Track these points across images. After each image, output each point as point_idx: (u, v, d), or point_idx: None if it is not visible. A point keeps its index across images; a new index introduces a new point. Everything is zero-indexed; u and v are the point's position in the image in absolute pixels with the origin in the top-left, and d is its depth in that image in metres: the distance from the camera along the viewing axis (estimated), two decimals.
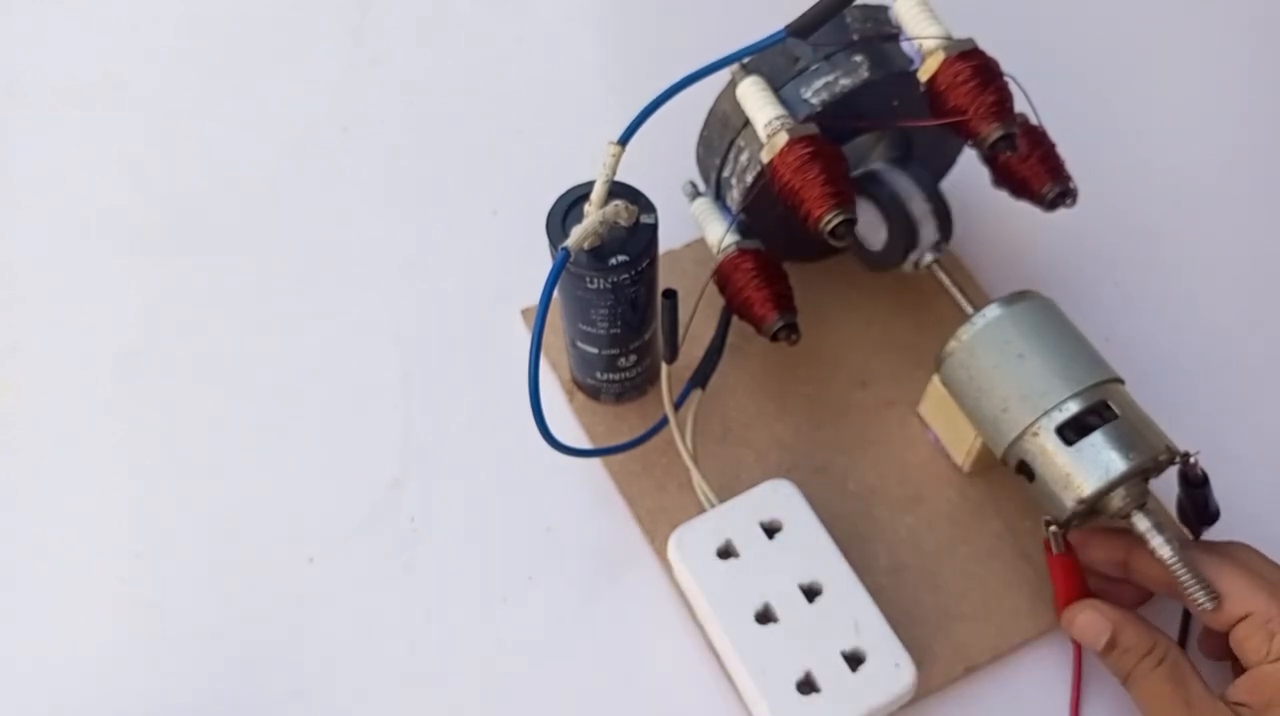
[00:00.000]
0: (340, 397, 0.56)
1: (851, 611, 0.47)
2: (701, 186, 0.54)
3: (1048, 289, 0.50)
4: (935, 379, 0.51)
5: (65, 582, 0.51)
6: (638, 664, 0.49)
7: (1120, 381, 0.48)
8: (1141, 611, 0.50)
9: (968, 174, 0.56)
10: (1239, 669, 0.44)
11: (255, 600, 0.50)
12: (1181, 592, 0.45)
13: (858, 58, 0.48)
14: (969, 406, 0.49)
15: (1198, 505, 0.48)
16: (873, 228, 0.53)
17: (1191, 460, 0.47)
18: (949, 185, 0.57)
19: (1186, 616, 0.50)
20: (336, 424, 0.55)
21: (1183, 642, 0.49)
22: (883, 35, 0.49)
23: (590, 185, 0.45)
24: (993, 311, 0.48)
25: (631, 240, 0.46)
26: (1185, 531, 0.50)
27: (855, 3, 0.46)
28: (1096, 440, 0.45)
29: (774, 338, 0.50)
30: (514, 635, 0.50)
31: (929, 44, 0.45)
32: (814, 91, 0.48)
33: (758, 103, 0.48)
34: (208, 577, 0.51)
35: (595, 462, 0.53)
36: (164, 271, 0.60)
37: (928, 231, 0.52)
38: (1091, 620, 0.46)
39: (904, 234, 0.52)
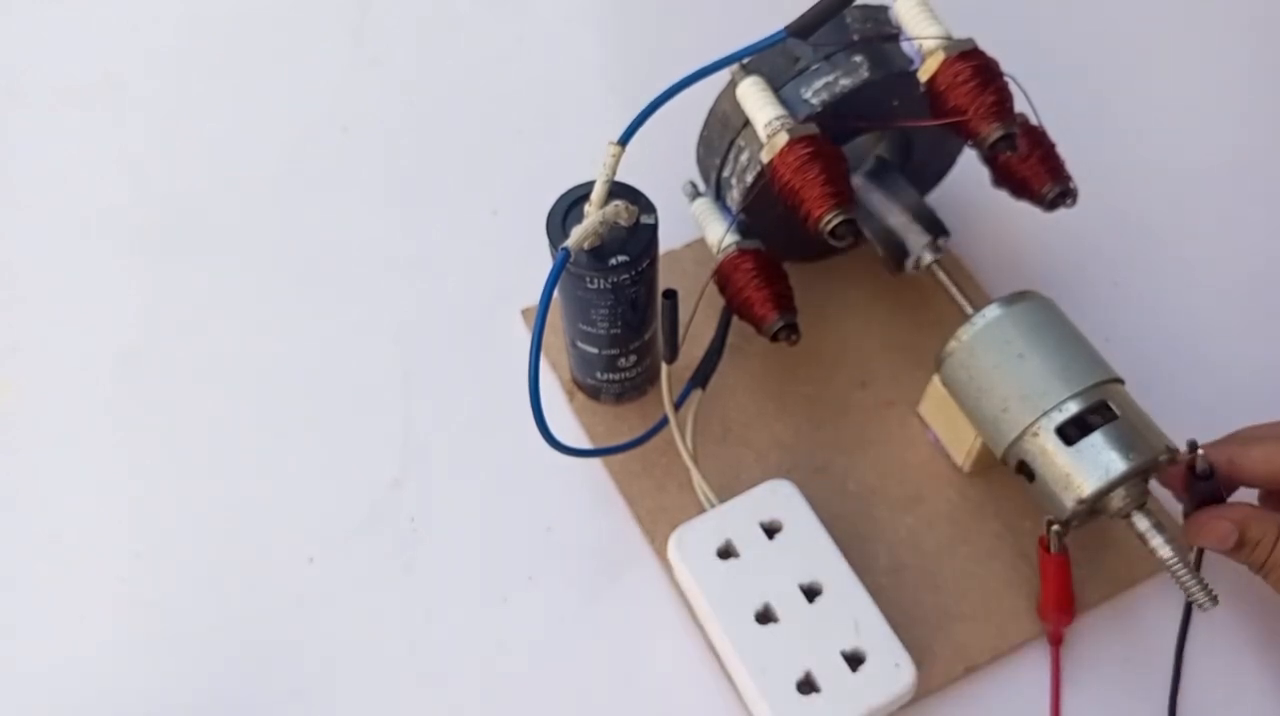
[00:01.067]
0: (340, 397, 0.56)
1: (851, 611, 0.47)
2: (701, 186, 0.54)
3: (1048, 289, 0.50)
4: (935, 379, 0.51)
5: (65, 582, 0.51)
6: (638, 664, 0.49)
7: (1120, 381, 0.48)
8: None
9: (968, 174, 0.56)
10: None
11: (255, 600, 0.50)
12: (1183, 591, 0.45)
13: (858, 58, 0.48)
14: (969, 406, 0.49)
15: (1204, 497, 0.48)
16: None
17: (1200, 451, 0.46)
18: (949, 185, 0.57)
19: (1187, 611, 0.50)
20: (336, 424, 0.55)
21: (1183, 635, 0.49)
22: (883, 35, 0.49)
23: (590, 185, 0.45)
24: (993, 311, 0.48)
25: (631, 240, 0.46)
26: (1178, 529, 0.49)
27: (855, 3, 0.46)
28: (1096, 440, 0.45)
29: (774, 338, 0.50)
30: (514, 635, 0.50)
31: (929, 44, 0.45)
32: (814, 91, 0.48)
33: (758, 103, 0.48)
34: (208, 577, 0.51)
35: (595, 462, 0.53)
36: (164, 271, 0.60)
37: (914, 238, 0.52)
38: (1214, 524, 0.46)
39: (895, 249, 0.52)
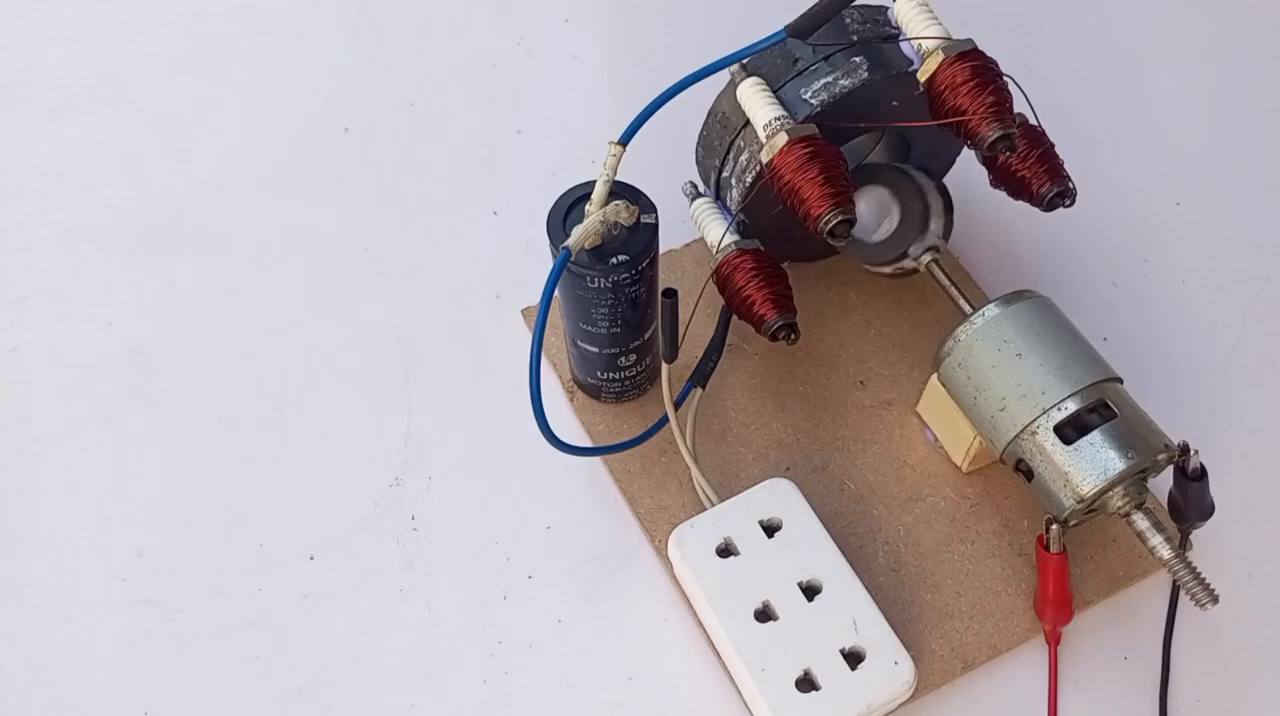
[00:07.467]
0: (341, 397, 0.56)
1: (850, 609, 0.47)
2: (701, 186, 0.54)
3: (1046, 288, 0.50)
4: (934, 378, 0.51)
5: (65, 582, 0.51)
6: (637, 662, 0.49)
7: (1119, 380, 0.48)
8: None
9: (966, 174, 0.56)
10: None
11: (255, 599, 0.50)
12: (1183, 590, 0.45)
13: (857, 58, 0.48)
14: (967, 405, 0.49)
15: (1193, 499, 0.48)
16: (880, 215, 0.53)
17: (1193, 451, 0.47)
18: (947, 185, 0.57)
19: (1174, 598, 0.50)
20: (337, 423, 0.55)
21: (1170, 625, 0.49)
22: (882, 36, 0.49)
23: (591, 185, 0.46)
24: (991, 311, 0.49)
25: (632, 240, 0.46)
26: (1174, 528, 0.50)
27: (855, 3, 0.46)
28: (1095, 439, 0.46)
29: (773, 337, 0.51)
30: (514, 635, 0.50)
31: (928, 44, 0.45)
32: (813, 92, 0.48)
33: (757, 103, 0.48)
34: (208, 577, 0.51)
35: (595, 462, 0.53)
36: (164, 271, 0.60)
37: (935, 227, 0.52)
38: None
39: (917, 222, 0.52)
